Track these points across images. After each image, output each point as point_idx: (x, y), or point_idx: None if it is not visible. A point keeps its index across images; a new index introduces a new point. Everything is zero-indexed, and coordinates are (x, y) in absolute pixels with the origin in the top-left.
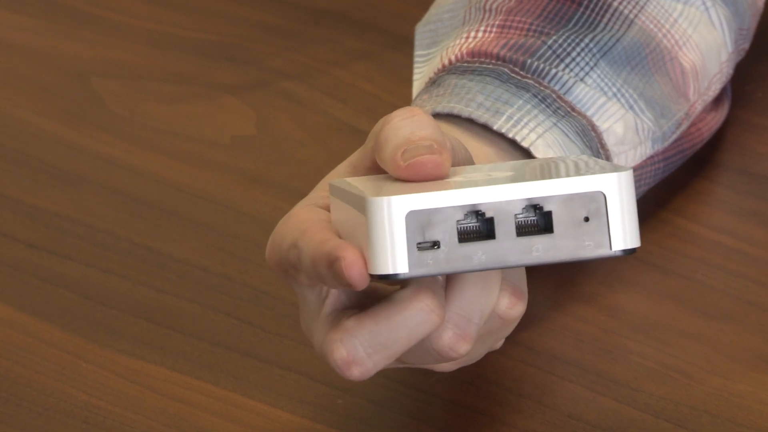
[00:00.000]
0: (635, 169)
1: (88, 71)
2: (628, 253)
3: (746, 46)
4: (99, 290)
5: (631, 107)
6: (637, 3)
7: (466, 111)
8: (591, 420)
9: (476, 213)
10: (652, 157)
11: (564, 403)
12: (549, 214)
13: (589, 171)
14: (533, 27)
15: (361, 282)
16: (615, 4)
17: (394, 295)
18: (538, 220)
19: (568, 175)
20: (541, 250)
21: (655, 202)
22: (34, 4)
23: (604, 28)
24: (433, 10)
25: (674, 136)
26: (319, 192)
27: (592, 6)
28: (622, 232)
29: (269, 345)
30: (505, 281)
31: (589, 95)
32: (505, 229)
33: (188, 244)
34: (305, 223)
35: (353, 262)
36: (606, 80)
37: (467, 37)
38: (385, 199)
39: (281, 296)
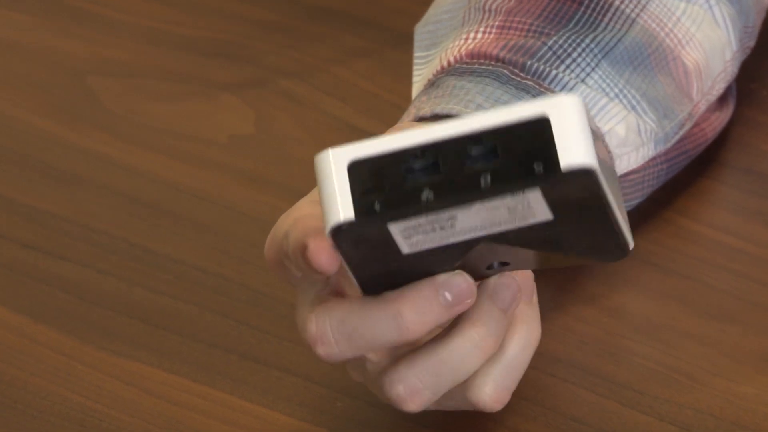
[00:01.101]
0: (637, 170)
1: (85, 69)
2: (582, 174)
3: (752, 44)
4: (95, 291)
5: (633, 108)
6: (639, 2)
7: (465, 112)
8: (594, 423)
9: (421, 153)
10: (654, 158)
11: (566, 405)
12: (494, 145)
13: (533, 100)
14: (533, 27)
15: (328, 265)
16: (616, 3)
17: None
18: (484, 153)
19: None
20: (490, 180)
21: (657, 202)
22: (30, 1)
23: (605, 28)
24: (431, 11)
25: (677, 137)
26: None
27: (593, 5)
28: (573, 150)
29: (268, 347)
30: None
31: (591, 96)
32: (450, 165)
33: (186, 244)
34: (300, 214)
35: (319, 247)
36: (608, 81)
37: (466, 39)
38: (327, 152)
39: (280, 297)
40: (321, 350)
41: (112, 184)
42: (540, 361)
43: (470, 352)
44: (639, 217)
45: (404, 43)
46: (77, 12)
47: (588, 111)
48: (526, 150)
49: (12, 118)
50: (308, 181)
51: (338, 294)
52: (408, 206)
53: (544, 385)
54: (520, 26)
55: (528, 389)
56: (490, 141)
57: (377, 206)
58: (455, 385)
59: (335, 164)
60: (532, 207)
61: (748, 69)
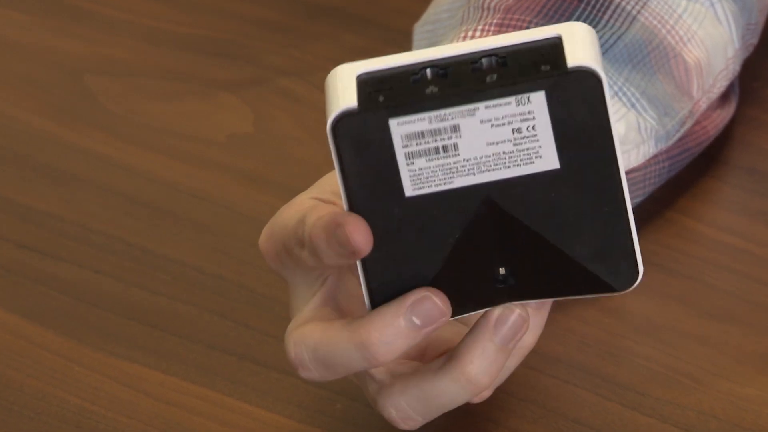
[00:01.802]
0: (639, 168)
1: (82, 68)
2: (587, 76)
3: (754, 41)
4: (92, 292)
5: (633, 106)
6: None
7: None
8: (596, 425)
9: (430, 65)
10: (656, 156)
11: (568, 407)
12: (504, 58)
13: (544, 27)
14: (532, 25)
15: (363, 243)
16: (617, 0)
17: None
18: (494, 64)
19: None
20: (496, 78)
21: (660, 201)
22: (28, 0)
23: (605, 26)
24: (431, 10)
25: (678, 135)
26: (318, 189)
27: (593, 2)
28: (580, 56)
29: (266, 348)
30: None
31: None
32: (458, 71)
33: (184, 244)
34: (313, 203)
35: (357, 226)
36: (608, 78)
37: (464, 37)
38: (338, 66)
39: (278, 298)
40: (302, 374)
41: (110, 184)
42: (540, 362)
43: (462, 390)
44: (641, 216)
45: (404, 41)
46: (75, 11)
47: (597, 40)
48: (535, 59)
49: (10, 117)
50: (308, 180)
51: (331, 299)
52: (411, 99)
53: (545, 387)
54: (518, 24)
55: (528, 391)
56: (501, 55)
57: (381, 98)
58: (446, 411)
59: (345, 74)
60: (537, 135)
61: (750, 67)
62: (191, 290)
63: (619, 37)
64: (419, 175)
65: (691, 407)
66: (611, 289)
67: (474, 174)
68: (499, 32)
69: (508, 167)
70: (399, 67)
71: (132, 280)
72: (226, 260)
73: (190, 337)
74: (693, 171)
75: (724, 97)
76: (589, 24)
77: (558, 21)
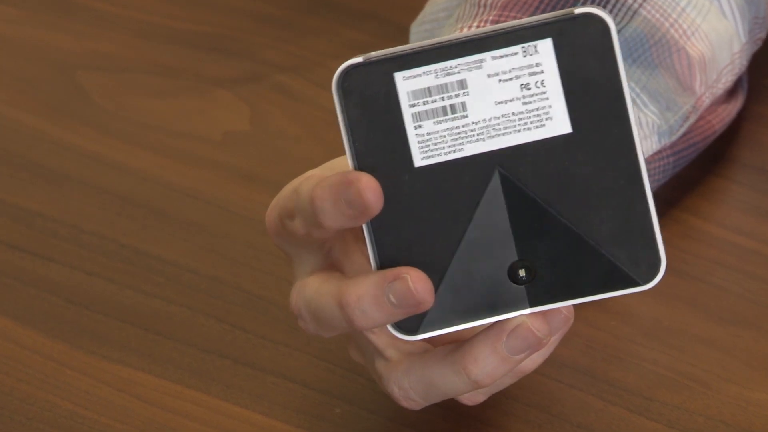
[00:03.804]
0: None
1: (73, 64)
2: (595, 21)
3: (763, 35)
4: (84, 294)
5: (633, 101)
6: None
7: None
8: (601, 430)
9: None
10: (660, 152)
11: (573, 412)
12: (516, 31)
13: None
14: None
15: (375, 202)
16: None
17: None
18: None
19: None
20: (502, 29)
21: (667, 201)
22: None
23: None
24: (427, 9)
25: (682, 130)
26: (327, 169)
27: None
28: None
29: (263, 351)
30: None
31: None
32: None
33: (178, 245)
34: (308, 174)
35: (369, 183)
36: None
37: None
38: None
39: (275, 300)
40: (301, 325)
41: (102, 183)
42: (545, 366)
43: (463, 384)
44: None
45: (403, 36)
46: (67, 5)
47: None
48: (546, 22)
49: None
50: None
51: (335, 268)
52: (417, 54)
53: (550, 391)
54: None
55: (533, 396)
56: (513, 30)
57: (385, 56)
58: (447, 398)
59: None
60: (546, 92)
61: (759, 64)
62: (186, 292)
63: (619, 32)
64: (428, 141)
65: (700, 412)
66: (632, 282)
67: (484, 140)
68: None
69: (519, 131)
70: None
71: (125, 282)
72: (222, 261)
73: (184, 340)
74: (701, 170)
75: (731, 92)
76: None
77: None
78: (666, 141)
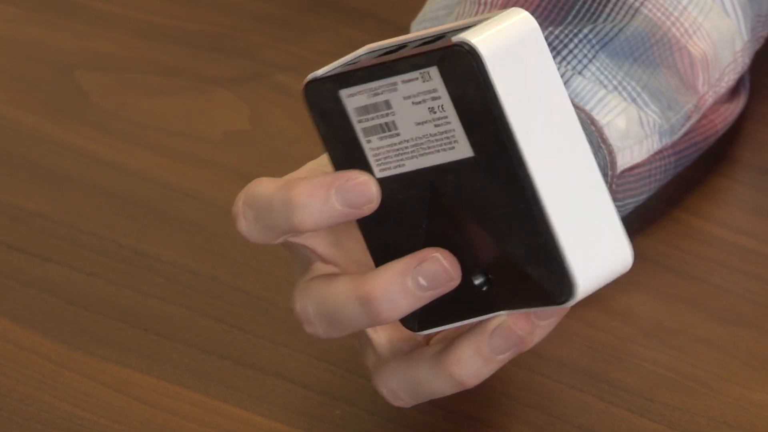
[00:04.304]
0: (643, 164)
1: (72, 64)
2: (463, 49)
3: (765, 33)
4: (83, 294)
5: (633, 100)
6: None
7: None
8: (602, 431)
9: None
10: (661, 151)
11: (574, 413)
12: (426, 38)
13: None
14: None
15: (375, 195)
16: None
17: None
18: (417, 42)
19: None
20: (406, 53)
21: (669, 201)
22: None
23: (606, 19)
24: (427, 7)
25: (684, 129)
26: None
27: None
28: (478, 35)
29: (263, 352)
30: None
31: (588, 88)
32: (389, 51)
33: (177, 245)
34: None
35: (366, 178)
36: (606, 73)
37: None
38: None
39: (275, 301)
40: (307, 330)
41: (101, 183)
42: (545, 367)
43: (448, 385)
44: (649, 216)
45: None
46: (66, 4)
47: (536, 32)
48: (441, 37)
49: None
50: None
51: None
52: (352, 72)
53: (550, 392)
54: None
55: (533, 396)
56: (428, 36)
57: (330, 73)
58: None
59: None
60: (447, 116)
61: (761, 63)
62: (185, 292)
63: (620, 30)
64: (378, 155)
65: (701, 413)
66: (551, 300)
67: (417, 157)
68: None
69: (438, 152)
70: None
71: (124, 282)
72: (221, 262)
73: (183, 341)
74: (702, 169)
75: (733, 91)
76: (590, 17)
77: (558, 15)
78: (667, 140)
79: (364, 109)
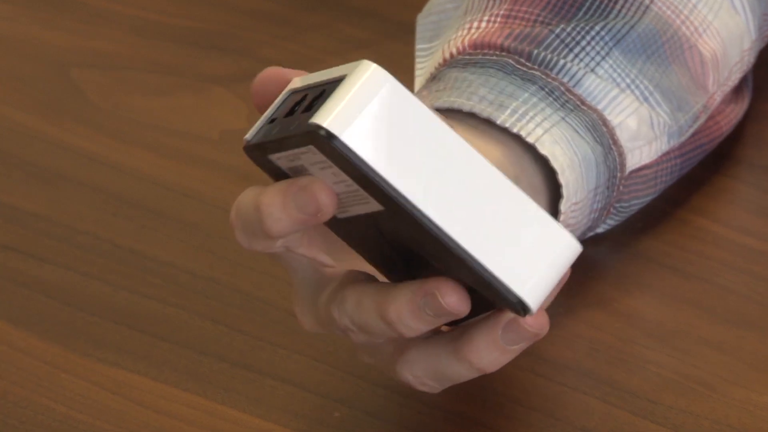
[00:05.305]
0: (650, 165)
1: (68, 61)
2: (325, 137)
3: None
4: (79, 295)
5: (645, 99)
6: None
7: (467, 105)
8: None
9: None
10: (668, 153)
11: (576, 416)
12: (311, 98)
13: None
14: (540, 18)
15: (330, 204)
16: None
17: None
18: (306, 105)
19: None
20: (292, 128)
21: (673, 201)
22: None
23: (617, 16)
24: (434, 0)
25: (691, 131)
26: None
27: None
28: (330, 112)
29: (261, 354)
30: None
31: (600, 87)
32: (290, 110)
33: (174, 246)
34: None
35: (322, 186)
36: (619, 71)
37: (469, 28)
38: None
39: (273, 302)
40: (351, 337)
41: (97, 183)
42: (548, 369)
43: (470, 372)
44: (653, 216)
45: (405, 33)
46: (61, 1)
47: (392, 85)
48: (310, 106)
49: None
50: None
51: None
52: (270, 138)
53: (553, 395)
54: (526, 16)
55: (536, 399)
56: (296, 134)
57: (253, 142)
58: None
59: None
60: (347, 181)
61: (764, 62)
62: (182, 293)
63: (632, 27)
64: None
65: (705, 416)
66: (518, 313)
67: (351, 206)
68: (505, 24)
69: (360, 204)
70: (281, 102)
71: (120, 283)
72: (219, 262)
73: (181, 342)
74: (707, 169)
75: (738, 92)
76: (601, 14)
77: (568, 11)
78: (675, 142)
79: (293, 170)
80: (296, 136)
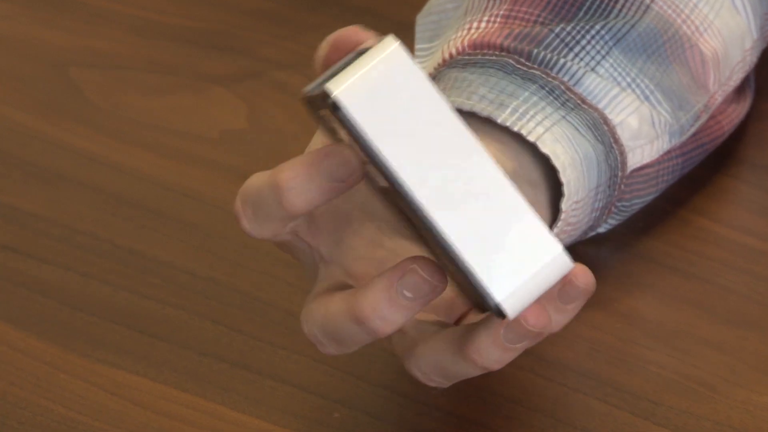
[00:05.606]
0: (651, 164)
1: (67, 61)
2: (332, 102)
3: None
4: (78, 296)
5: (647, 98)
6: None
7: (467, 104)
8: None
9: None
10: (669, 152)
11: (577, 417)
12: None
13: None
14: (540, 19)
15: (358, 168)
16: None
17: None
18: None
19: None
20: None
21: (675, 201)
22: None
23: (618, 14)
24: (434, 0)
25: (692, 130)
26: None
27: None
28: (342, 81)
29: (260, 354)
30: None
31: (601, 86)
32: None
33: (174, 246)
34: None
35: (342, 151)
36: (620, 69)
37: (469, 28)
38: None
39: (273, 302)
40: (322, 350)
41: (97, 183)
42: (549, 369)
43: (474, 370)
44: (654, 216)
45: (404, 32)
46: (60, 0)
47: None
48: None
49: None
50: None
51: (338, 266)
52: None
53: (554, 395)
54: (526, 17)
55: (536, 399)
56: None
57: (308, 93)
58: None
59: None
60: (357, 146)
61: (767, 62)
62: (182, 294)
63: (632, 26)
64: (369, 171)
65: (707, 417)
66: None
67: (375, 177)
68: (504, 24)
69: (376, 177)
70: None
71: (120, 284)
72: (219, 262)
73: (180, 343)
74: (708, 169)
75: (739, 91)
76: (601, 13)
77: (569, 11)
78: (677, 141)
79: (331, 130)
80: (319, 96)
